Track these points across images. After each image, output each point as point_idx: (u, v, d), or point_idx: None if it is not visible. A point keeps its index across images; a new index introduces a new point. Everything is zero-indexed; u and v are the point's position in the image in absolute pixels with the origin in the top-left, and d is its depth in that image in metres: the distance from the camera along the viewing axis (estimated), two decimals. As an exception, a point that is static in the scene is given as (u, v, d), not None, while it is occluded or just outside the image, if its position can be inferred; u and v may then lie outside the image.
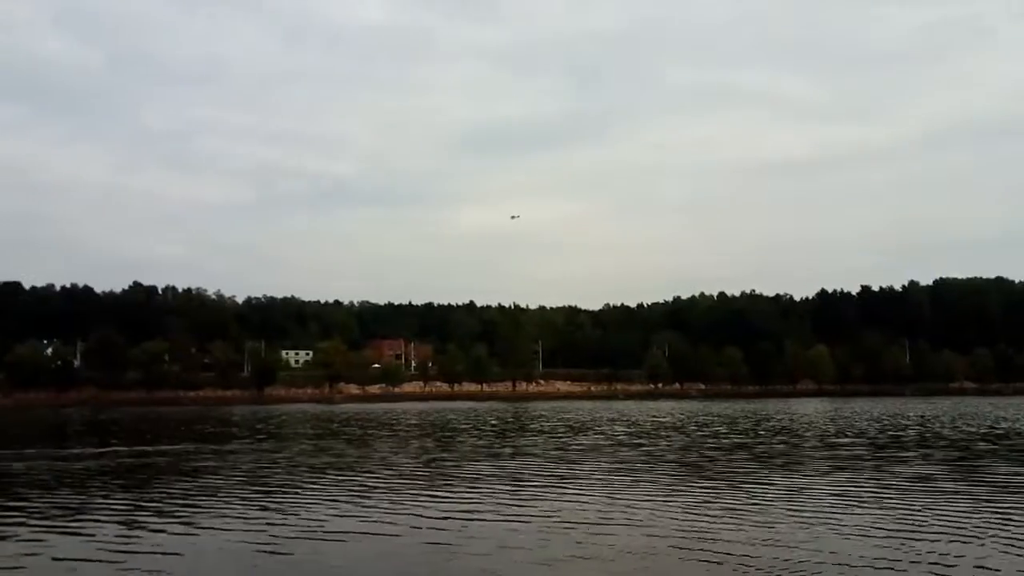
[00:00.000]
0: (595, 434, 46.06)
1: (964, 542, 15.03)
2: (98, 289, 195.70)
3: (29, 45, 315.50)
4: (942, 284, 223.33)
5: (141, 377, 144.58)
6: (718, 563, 13.63)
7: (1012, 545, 14.78)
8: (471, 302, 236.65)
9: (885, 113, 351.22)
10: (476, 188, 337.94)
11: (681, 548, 14.76)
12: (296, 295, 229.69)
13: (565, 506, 19.62)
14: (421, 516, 18.38)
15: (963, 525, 16.64)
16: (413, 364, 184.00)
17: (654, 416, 68.86)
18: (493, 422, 61.04)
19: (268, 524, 17.63)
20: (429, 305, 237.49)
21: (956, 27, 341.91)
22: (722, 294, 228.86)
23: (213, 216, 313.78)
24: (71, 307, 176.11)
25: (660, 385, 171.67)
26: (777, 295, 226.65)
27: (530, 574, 13.33)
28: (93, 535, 16.54)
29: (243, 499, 21.48)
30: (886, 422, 56.45)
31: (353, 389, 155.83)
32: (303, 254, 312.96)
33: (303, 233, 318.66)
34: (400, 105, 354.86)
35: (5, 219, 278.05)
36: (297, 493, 22.63)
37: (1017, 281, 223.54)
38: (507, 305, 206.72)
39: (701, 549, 14.61)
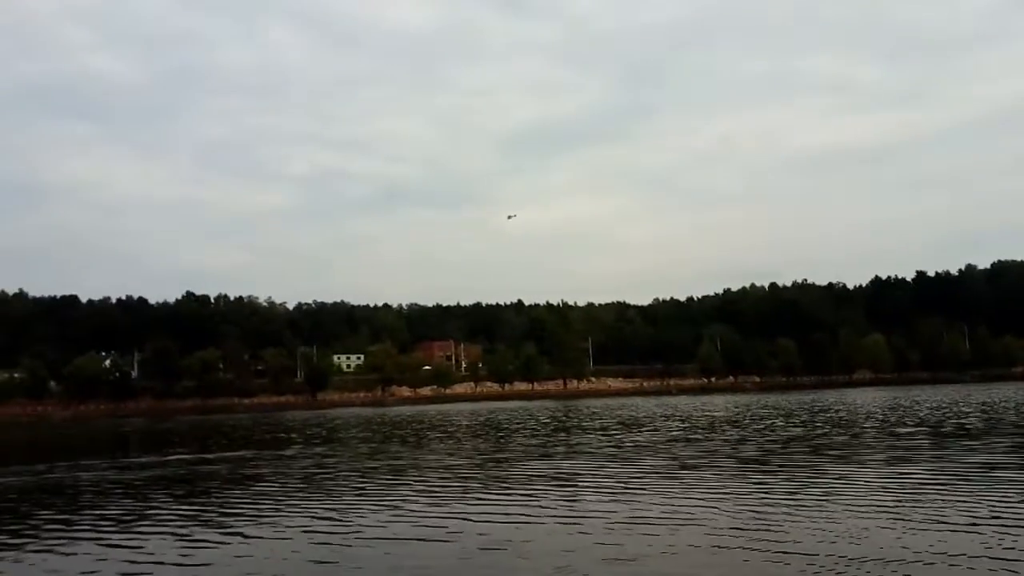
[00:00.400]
0: (649, 431, 45.69)
1: (1039, 533, 14.51)
2: (152, 300, 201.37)
3: (88, 66, 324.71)
4: (1001, 267, 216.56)
5: (196, 386, 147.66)
6: (783, 559, 13.38)
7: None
8: (519, 301, 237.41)
9: (940, 97, 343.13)
10: (523, 187, 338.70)
11: (744, 544, 14.52)
12: (345, 299, 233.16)
13: (623, 504, 19.45)
14: (480, 517, 18.39)
15: (1036, 515, 16.06)
16: (463, 365, 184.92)
17: (708, 411, 68.08)
18: (545, 421, 60.97)
19: (328, 528, 17.81)
20: (477, 305, 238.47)
21: (1019, 10, 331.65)
22: (773, 285, 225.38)
23: (262, 224, 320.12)
24: (127, 319, 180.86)
25: (713, 379, 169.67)
26: (830, 283, 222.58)
27: (597, 573, 13.23)
28: (159, 543, 16.88)
29: (302, 504, 21.76)
30: (947, 410, 54.94)
31: (405, 391, 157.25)
32: (351, 258, 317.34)
33: (351, 237, 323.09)
34: (450, 106, 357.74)
35: (63, 235, 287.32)
36: (355, 496, 22.84)
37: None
38: (555, 303, 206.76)
39: (765, 544, 14.36)
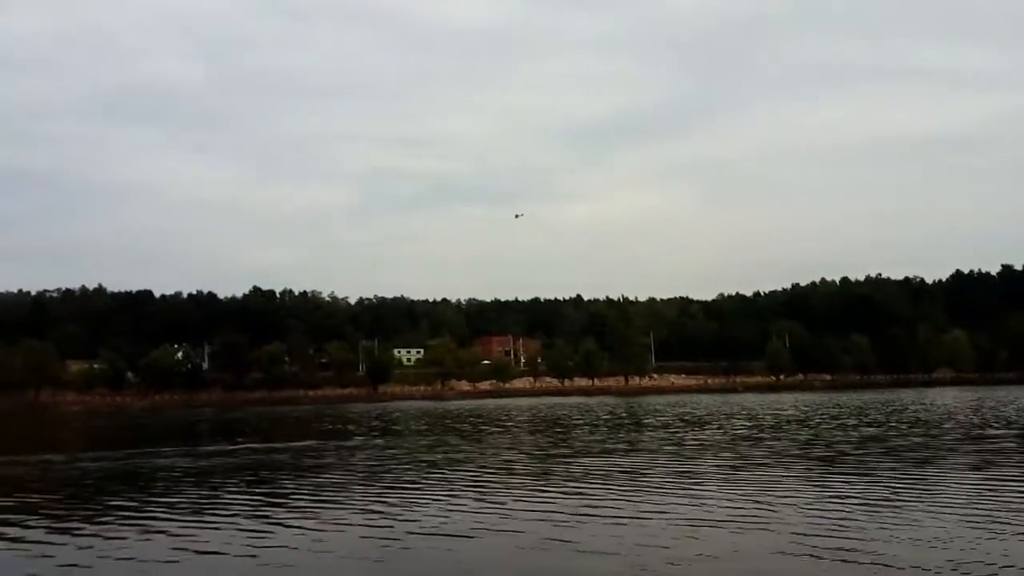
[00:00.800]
0: (713, 429, 44.69)
1: None
2: (222, 295, 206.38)
3: (159, 69, 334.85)
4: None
5: (263, 378, 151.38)
6: (854, 565, 12.65)
7: None
8: (578, 296, 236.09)
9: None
10: (583, 181, 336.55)
11: (813, 548, 13.90)
12: (405, 295, 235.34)
13: (685, 504, 18.93)
14: (538, 512, 18.12)
15: None
16: (522, 360, 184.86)
17: (776, 409, 66.42)
18: (605, 417, 60.29)
19: (388, 519, 17.82)
20: (536, 300, 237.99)
21: None
22: (845, 279, 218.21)
23: (325, 220, 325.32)
24: (198, 313, 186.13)
25: (782, 377, 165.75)
26: (906, 278, 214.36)
27: (660, 574, 12.70)
28: (229, 530, 17.16)
29: (364, 494, 21.83)
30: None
31: (464, 386, 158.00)
32: (410, 254, 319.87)
33: (411, 233, 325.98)
34: (507, 101, 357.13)
35: (138, 233, 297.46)
36: (414, 488, 22.83)
37: None
38: (615, 298, 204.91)
39: (835, 549, 13.71)
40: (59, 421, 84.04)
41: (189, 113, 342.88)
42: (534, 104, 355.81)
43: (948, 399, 77.59)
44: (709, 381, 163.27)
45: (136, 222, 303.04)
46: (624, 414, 64.46)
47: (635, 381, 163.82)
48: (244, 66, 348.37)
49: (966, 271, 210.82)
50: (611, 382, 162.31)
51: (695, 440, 37.27)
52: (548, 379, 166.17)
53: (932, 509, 17.22)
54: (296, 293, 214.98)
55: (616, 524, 16.66)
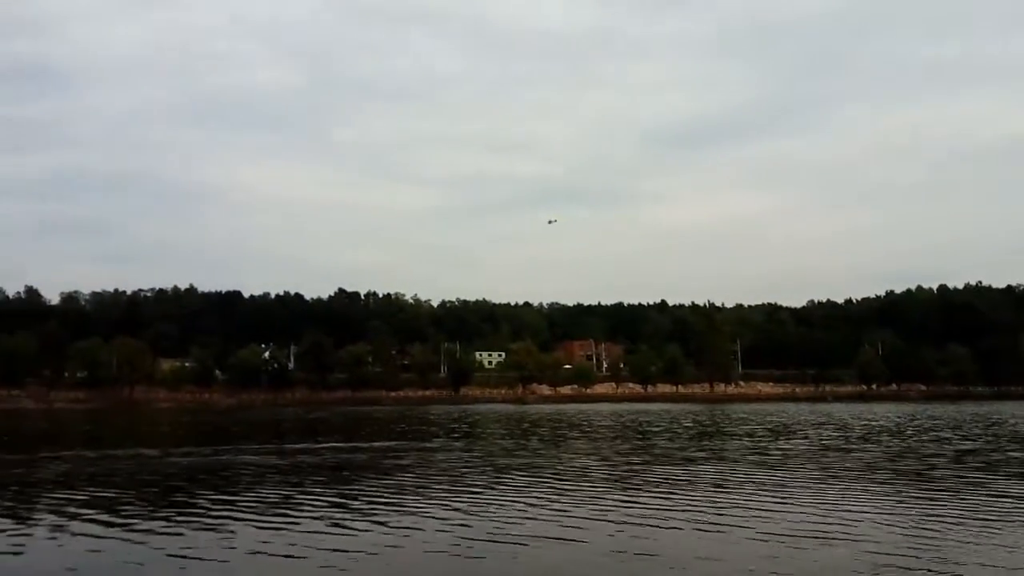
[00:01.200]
0: (800, 438, 43.30)
1: None
2: (308, 296, 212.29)
3: (250, 75, 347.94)
4: None
5: (347, 378, 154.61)
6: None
7: None
8: (663, 301, 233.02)
9: None
10: (669, 183, 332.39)
11: (905, 565, 13.19)
12: (487, 298, 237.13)
13: (765, 516, 18.30)
14: (614, 522, 17.83)
15: None
16: (604, 365, 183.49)
17: (867, 419, 63.94)
18: (688, 424, 59.20)
19: (461, 524, 17.79)
20: (619, 305, 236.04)
21: None
22: (942, 287, 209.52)
23: (408, 223, 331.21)
24: (284, 313, 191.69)
25: (874, 386, 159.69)
26: (1009, 286, 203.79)
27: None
28: (302, 529, 17.42)
29: (438, 497, 21.91)
30: None
31: (545, 390, 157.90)
32: (493, 258, 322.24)
33: (494, 237, 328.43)
34: (592, 104, 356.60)
35: (229, 235, 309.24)
36: (490, 493, 22.79)
37: None
38: (700, 303, 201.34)
39: (925, 571, 12.96)
40: (151, 417, 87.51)
41: (280, 118, 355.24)
42: (623, 106, 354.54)
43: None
44: (797, 390, 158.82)
45: (227, 224, 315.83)
46: (708, 422, 63.17)
47: (720, 388, 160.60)
48: (332, 71, 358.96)
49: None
50: (696, 389, 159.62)
51: (780, 449, 36.17)
52: (631, 385, 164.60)
53: (1034, 530, 16.19)
54: (380, 295, 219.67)
55: (692, 535, 16.25)
